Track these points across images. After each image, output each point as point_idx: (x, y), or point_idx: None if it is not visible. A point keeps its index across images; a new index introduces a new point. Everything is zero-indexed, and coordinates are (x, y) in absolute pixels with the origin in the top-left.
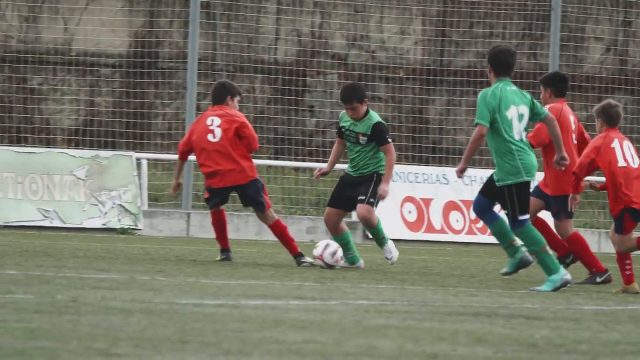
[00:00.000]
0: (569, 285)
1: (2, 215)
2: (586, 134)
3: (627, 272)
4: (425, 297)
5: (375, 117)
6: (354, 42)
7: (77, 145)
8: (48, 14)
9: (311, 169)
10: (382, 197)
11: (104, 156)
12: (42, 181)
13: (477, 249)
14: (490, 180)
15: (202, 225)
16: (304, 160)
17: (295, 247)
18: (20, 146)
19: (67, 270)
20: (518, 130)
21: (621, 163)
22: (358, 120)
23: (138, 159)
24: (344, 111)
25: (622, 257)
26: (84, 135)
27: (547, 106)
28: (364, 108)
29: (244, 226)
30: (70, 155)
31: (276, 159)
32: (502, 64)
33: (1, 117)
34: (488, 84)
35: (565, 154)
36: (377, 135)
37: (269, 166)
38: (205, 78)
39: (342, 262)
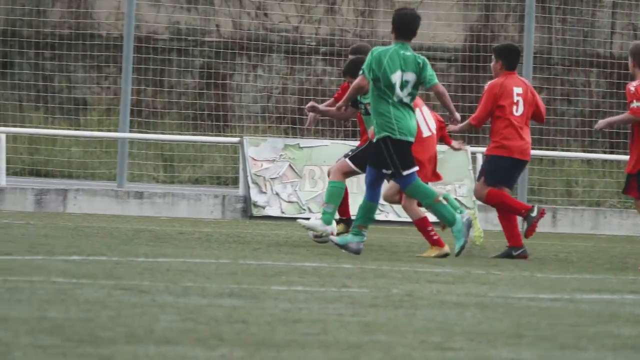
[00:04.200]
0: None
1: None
2: (540, 104)
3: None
4: None
5: None
6: None
7: None
8: (384, 8)
9: (617, 162)
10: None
11: (439, 150)
12: None
13: None
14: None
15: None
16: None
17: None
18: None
19: (402, 264)
20: (398, 95)
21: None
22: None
23: (473, 153)
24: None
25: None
26: None
27: (488, 83)
28: None
29: (579, 220)
30: None
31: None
32: (404, 27)
33: None
34: None
35: (456, 115)
36: None
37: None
38: (541, 72)
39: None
